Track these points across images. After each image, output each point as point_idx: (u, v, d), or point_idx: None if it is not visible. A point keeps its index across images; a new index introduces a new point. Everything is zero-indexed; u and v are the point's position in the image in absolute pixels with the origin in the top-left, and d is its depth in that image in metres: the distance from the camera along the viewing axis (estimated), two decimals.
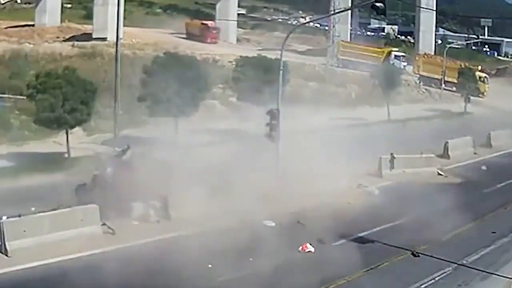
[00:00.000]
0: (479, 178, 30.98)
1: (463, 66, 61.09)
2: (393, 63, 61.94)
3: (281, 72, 27.62)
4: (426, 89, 64.51)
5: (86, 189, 22.28)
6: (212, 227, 20.81)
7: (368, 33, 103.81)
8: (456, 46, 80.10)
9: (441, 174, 31.61)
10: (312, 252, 20.03)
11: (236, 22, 77.06)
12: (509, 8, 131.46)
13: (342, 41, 69.98)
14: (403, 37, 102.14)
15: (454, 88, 61.72)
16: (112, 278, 16.81)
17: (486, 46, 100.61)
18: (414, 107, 56.19)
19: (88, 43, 61.31)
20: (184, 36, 73.17)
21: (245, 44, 75.82)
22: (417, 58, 69.81)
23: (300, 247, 20.16)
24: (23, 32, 68.18)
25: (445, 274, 18.77)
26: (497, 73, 78.94)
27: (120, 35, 32.04)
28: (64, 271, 17.36)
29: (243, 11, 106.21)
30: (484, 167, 33.62)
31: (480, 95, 61.93)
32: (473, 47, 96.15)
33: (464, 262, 19.58)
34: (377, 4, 23.81)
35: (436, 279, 18.45)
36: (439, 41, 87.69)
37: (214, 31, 73.66)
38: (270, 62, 35.30)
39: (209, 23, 74.29)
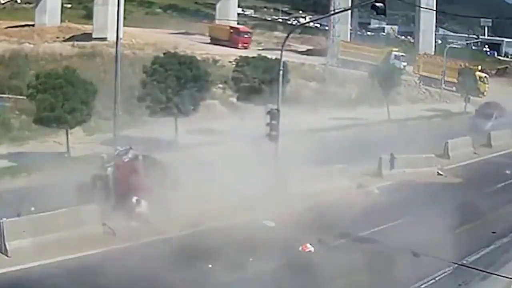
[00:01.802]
0: (479, 178, 30.94)
1: (463, 66, 61.05)
2: (393, 63, 61.86)
3: (281, 72, 27.64)
4: (426, 89, 64.47)
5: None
6: (212, 227, 20.82)
7: (368, 33, 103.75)
8: (456, 46, 79.97)
9: (441, 174, 31.60)
10: (312, 252, 20.04)
11: (236, 22, 76.91)
12: (509, 8, 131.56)
13: (342, 41, 69.95)
14: (403, 37, 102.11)
15: (454, 88, 61.70)
16: (112, 278, 16.81)
17: (486, 46, 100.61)
18: (414, 107, 56.22)
19: (88, 43, 61.35)
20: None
21: None
22: (417, 58, 69.79)
23: (300, 247, 20.16)
24: (23, 32, 68.27)
25: (445, 274, 18.77)
26: (497, 73, 78.96)
27: (120, 35, 31.95)
28: (63, 271, 17.35)
29: (249, 11, 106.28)
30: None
31: (480, 95, 61.80)
32: (473, 47, 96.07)
33: (464, 262, 19.57)
34: (377, 4, 23.82)
35: (436, 279, 18.45)
36: (439, 41, 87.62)
37: (246, 36, 71.53)
38: (270, 62, 35.34)
39: (240, 27, 72.26)
